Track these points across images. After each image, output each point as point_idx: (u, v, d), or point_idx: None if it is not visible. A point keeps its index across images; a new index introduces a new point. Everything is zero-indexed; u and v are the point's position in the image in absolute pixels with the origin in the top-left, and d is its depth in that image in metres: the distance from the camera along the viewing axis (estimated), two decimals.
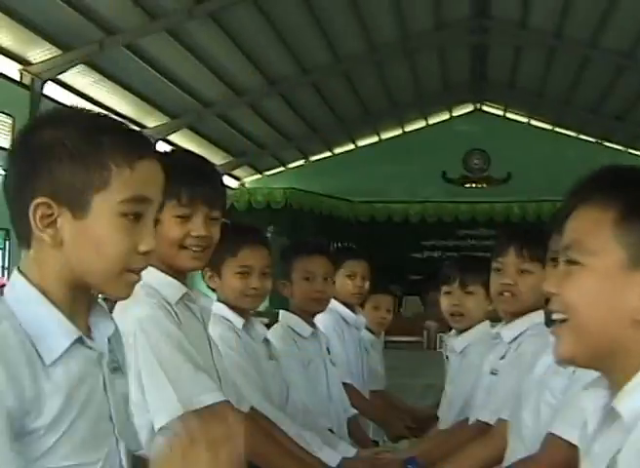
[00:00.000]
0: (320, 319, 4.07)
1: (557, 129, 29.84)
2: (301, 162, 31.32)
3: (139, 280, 1.63)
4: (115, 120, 1.66)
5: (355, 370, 4.43)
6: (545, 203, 30.50)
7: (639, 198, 1.43)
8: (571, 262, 1.47)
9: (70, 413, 1.52)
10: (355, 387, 4.29)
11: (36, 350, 1.50)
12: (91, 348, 1.61)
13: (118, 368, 1.73)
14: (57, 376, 1.52)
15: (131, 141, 1.61)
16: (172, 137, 25.25)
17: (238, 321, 3.08)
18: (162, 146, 25.33)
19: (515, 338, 3.06)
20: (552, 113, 28.73)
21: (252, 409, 2.76)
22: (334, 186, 29.57)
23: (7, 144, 16.29)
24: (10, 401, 1.42)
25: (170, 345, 2.34)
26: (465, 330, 3.72)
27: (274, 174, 31.09)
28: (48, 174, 1.54)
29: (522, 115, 30.35)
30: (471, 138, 29.96)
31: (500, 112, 30.81)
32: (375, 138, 30.94)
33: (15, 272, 1.61)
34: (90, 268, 1.57)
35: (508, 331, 3.11)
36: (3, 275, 20.08)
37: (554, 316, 1.51)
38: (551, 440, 2.36)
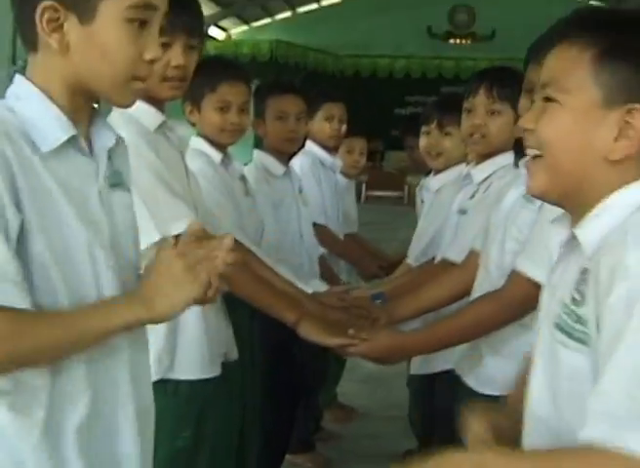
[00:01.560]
0: (297, 161, 4.20)
1: None
2: (288, 14, 30.96)
3: (143, 88, 1.65)
4: None
5: (331, 213, 4.52)
6: None
7: (616, 39, 1.45)
8: (548, 100, 1.50)
9: (57, 212, 1.54)
10: (329, 228, 4.42)
11: (32, 141, 1.52)
12: (87, 156, 1.63)
13: (120, 183, 1.73)
14: (50, 169, 1.54)
15: None
16: None
17: (216, 155, 3.14)
18: None
19: (485, 179, 3.08)
20: None
21: None
22: (320, 40, 29.20)
23: None
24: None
25: (148, 172, 2.36)
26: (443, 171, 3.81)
27: (261, 26, 30.75)
28: None
29: None
30: None
31: None
32: None
33: (17, 77, 1.61)
34: (96, 74, 1.58)
35: (478, 171, 3.12)
36: None
37: (528, 151, 1.56)
38: (515, 276, 2.38)
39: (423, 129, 3.85)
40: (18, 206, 1.46)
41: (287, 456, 4.29)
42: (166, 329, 2.51)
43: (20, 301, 1.44)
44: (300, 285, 3.00)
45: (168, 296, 1.54)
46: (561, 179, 1.49)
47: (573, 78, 1.47)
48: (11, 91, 1.60)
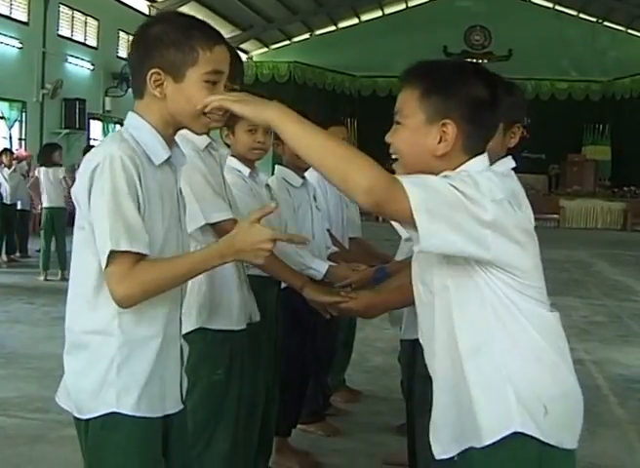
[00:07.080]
0: (308, 174, 4.95)
1: (558, 7, 30.12)
2: (307, 36, 31.66)
3: (210, 122, 2.48)
4: (200, 19, 2.49)
5: (335, 219, 5.29)
6: (544, 81, 30.99)
7: (431, 83, 2.28)
8: (397, 122, 2.33)
9: (159, 202, 2.40)
10: (333, 233, 5.13)
11: (148, 156, 2.39)
12: (172, 169, 2.51)
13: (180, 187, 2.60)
14: (158, 176, 2.42)
15: (210, 33, 2.43)
16: (181, 10, 25.73)
17: (245, 170, 3.95)
18: None
19: None
20: None
21: None
22: (337, 61, 29.86)
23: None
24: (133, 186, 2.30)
25: (198, 175, 3.25)
26: None
27: (280, 47, 31.45)
28: (159, 54, 2.36)
29: None
30: (473, 14, 30.12)
31: None
32: (378, 13, 31.23)
33: (131, 113, 2.47)
34: (182, 112, 2.41)
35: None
36: (20, 146, 20.74)
37: (393, 156, 2.38)
38: None
39: None
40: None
41: (300, 426, 5.09)
42: (205, 288, 3.35)
43: (147, 250, 2.30)
44: (318, 261, 3.96)
45: (243, 241, 2.34)
46: (410, 171, 2.28)
47: (408, 108, 2.31)
48: (128, 122, 2.46)
